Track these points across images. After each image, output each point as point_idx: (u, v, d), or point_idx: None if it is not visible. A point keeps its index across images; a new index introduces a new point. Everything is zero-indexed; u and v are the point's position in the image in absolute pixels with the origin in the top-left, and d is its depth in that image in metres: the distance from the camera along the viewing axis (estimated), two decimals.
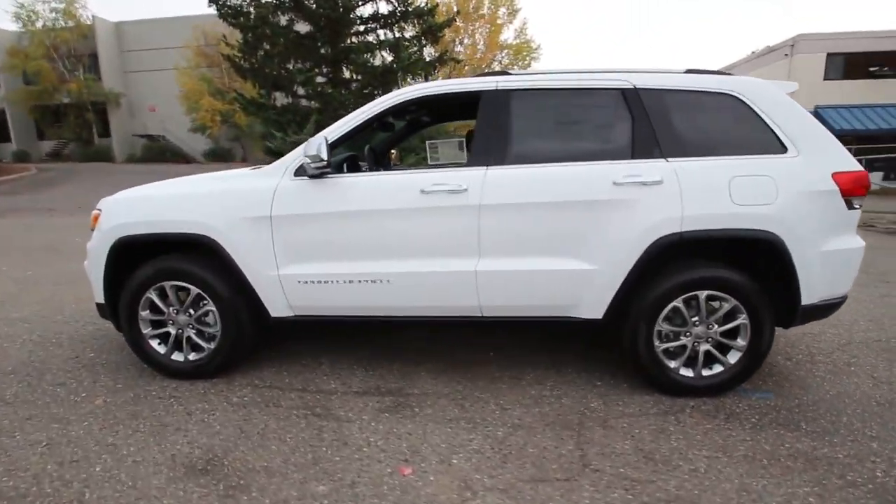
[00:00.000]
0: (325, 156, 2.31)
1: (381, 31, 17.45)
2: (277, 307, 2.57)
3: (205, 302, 2.59)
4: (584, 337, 3.26)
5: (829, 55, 20.58)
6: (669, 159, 2.38)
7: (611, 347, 3.01)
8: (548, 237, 2.39)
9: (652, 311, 2.43)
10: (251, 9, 15.28)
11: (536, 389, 2.63)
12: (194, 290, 2.56)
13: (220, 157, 27.55)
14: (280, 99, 17.45)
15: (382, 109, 2.52)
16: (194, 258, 2.60)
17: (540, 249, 2.41)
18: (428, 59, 16.46)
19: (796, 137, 2.40)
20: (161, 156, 27.01)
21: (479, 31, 28.97)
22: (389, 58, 16.83)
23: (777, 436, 2.21)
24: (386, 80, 15.83)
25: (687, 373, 2.53)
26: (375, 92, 16.30)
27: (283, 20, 15.64)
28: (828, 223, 2.38)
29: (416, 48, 16.38)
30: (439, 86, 2.55)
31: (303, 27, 16.12)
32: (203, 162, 27.28)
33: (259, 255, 2.49)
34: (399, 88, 15.10)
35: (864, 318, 3.84)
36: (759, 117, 2.42)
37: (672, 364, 2.52)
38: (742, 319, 2.44)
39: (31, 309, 4.09)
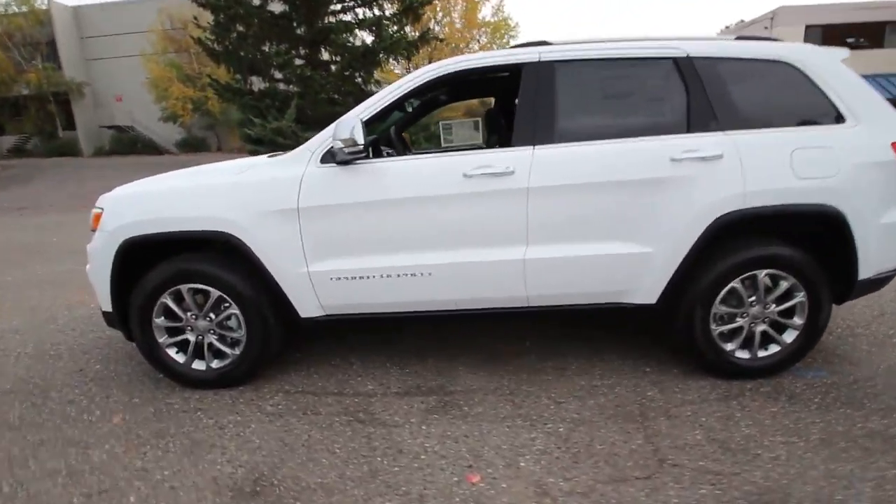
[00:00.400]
0: (361, 139, 2.09)
1: (359, 10, 16.79)
2: (307, 307, 2.37)
3: (226, 304, 2.37)
4: (619, 321, 3.14)
5: (807, 27, 20.77)
6: (728, 132, 2.23)
7: (648, 331, 2.90)
8: (600, 220, 2.24)
9: (709, 293, 2.31)
10: None
11: (585, 379, 2.51)
12: (214, 292, 2.33)
13: (193, 146, 26.58)
14: (257, 84, 16.77)
15: (416, 86, 2.30)
16: (212, 257, 2.37)
17: (591, 234, 2.25)
18: (410, 38, 15.95)
19: (853, 106, 2.28)
20: (131, 148, 25.91)
21: (455, 10, 28.31)
22: (370, 38, 16.25)
23: (846, 416, 2.13)
24: (368, 61, 15.31)
25: (743, 354, 2.43)
26: (357, 74, 15.77)
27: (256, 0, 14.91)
28: (887, 195, 2.28)
29: (397, 27, 15.85)
30: (477, 59, 2.33)
31: (277, 6, 15.40)
32: (176, 153, 26.28)
33: (286, 252, 2.27)
34: (382, 70, 14.57)
35: (889, 289, 3.81)
36: (816, 86, 2.29)
37: (728, 347, 2.42)
38: (800, 297, 2.34)
39: (21, 318, 3.78)
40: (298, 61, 15.48)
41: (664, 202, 2.20)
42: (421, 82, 2.30)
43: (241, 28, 15.16)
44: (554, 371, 2.61)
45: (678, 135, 2.23)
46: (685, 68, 2.26)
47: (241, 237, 2.24)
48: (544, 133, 2.23)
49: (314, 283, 2.31)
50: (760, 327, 2.41)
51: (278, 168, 2.33)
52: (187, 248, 2.39)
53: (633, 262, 2.27)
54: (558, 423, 2.14)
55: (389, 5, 16.98)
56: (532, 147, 2.22)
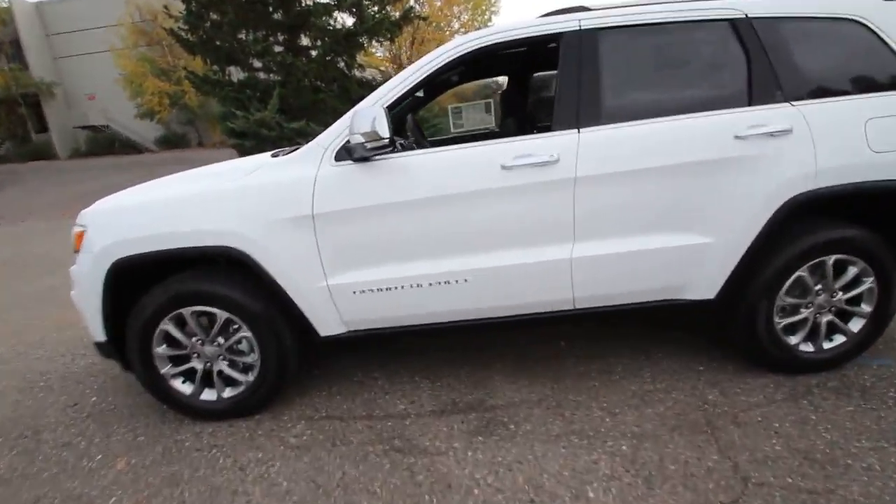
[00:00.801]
0: (386, 132, 1.81)
1: None
2: (328, 324, 2.10)
3: (236, 327, 2.10)
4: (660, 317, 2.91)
5: None
6: (794, 103, 1.98)
7: (687, 325, 2.68)
8: (655, 210, 1.99)
9: (774, 284, 2.10)
10: None
11: (636, 384, 2.29)
12: (222, 314, 2.06)
13: (173, 143, 25.78)
14: (236, 74, 16.14)
15: (446, 61, 2.01)
16: (217, 275, 2.08)
17: (646, 225, 2.00)
18: (392, 19, 15.37)
19: None
20: (108, 147, 25.05)
21: None
22: (350, 20, 15.62)
23: None
24: (350, 44, 14.74)
25: (807, 348, 2.23)
26: (339, 59, 15.21)
27: None
28: None
29: (378, 7, 15.24)
30: (508, 30, 2.03)
31: None
32: (156, 150, 25.50)
33: (301, 265, 1.99)
34: (364, 53, 14.03)
35: None
36: (888, 45, 2.03)
37: (793, 340, 2.21)
38: (869, 283, 2.13)
39: (4, 344, 3.47)
40: (278, 48, 14.88)
41: (727, 186, 1.95)
42: (451, 58, 2.00)
43: (215, 16, 14.48)
44: (599, 375, 2.39)
45: (740, 108, 1.98)
46: (744, 31, 2.00)
47: (248, 251, 1.96)
48: (590, 113, 1.96)
49: (335, 297, 2.04)
50: (826, 317, 2.20)
51: (286, 169, 2.03)
52: (189, 265, 2.10)
53: (690, 255, 2.04)
54: (619, 440, 1.92)
55: None
56: (577, 130, 1.95)
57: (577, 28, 2.00)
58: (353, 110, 1.91)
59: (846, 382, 2.18)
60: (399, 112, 2.75)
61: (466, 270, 2.00)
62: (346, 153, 1.96)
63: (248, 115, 12.79)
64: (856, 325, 2.21)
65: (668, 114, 1.97)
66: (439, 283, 2.01)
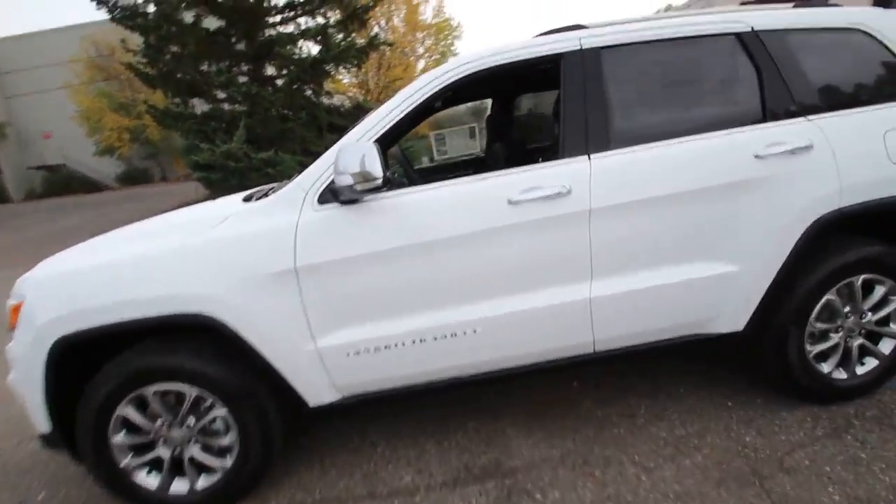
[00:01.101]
0: (379, 171, 1.58)
1: (301, 20, 16.02)
2: (318, 392, 1.83)
3: (209, 404, 1.80)
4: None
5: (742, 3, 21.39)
6: (810, 117, 1.85)
7: (697, 353, 2.50)
8: (677, 239, 1.82)
9: (804, 309, 1.94)
10: (150, 7, 13.42)
11: (665, 429, 2.08)
12: (191, 390, 1.76)
13: (135, 179, 24.93)
14: (199, 106, 15.73)
15: (438, 88, 1.81)
16: (183, 344, 1.79)
17: (668, 257, 1.83)
18: (358, 45, 15.34)
19: None
20: (66, 187, 24.01)
21: (397, 14, 27.85)
22: (315, 48, 15.51)
23: None
24: (316, 72, 14.58)
25: (840, 374, 2.07)
26: (306, 87, 15.04)
27: (189, 17, 13.93)
28: None
29: (343, 35, 15.20)
30: (508, 52, 1.85)
31: (212, 22, 14.47)
32: (116, 187, 24.59)
33: (284, 327, 1.72)
34: (332, 80, 13.98)
35: None
36: (893, 53, 1.94)
37: (825, 368, 2.05)
38: None
39: None
40: (242, 78, 14.58)
41: (751, 209, 1.80)
42: (447, 82, 1.80)
43: (175, 48, 14.12)
44: (622, 420, 2.17)
45: (755, 125, 1.84)
46: (752, 44, 1.87)
47: (221, 316, 1.68)
48: (599, 138, 1.78)
49: (325, 361, 1.77)
50: (857, 341, 2.06)
51: (262, 217, 1.77)
52: (146, 335, 1.80)
53: (717, 285, 1.86)
54: None
55: (332, 13, 16.32)
56: (587, 157, 1.77)
57: (579, 47, 1.83)
58: (337, 146, 1.68)
59: (885, 410, 2.03)
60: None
61: (475, 320, 1.77)
62: (332, 195, 1.72)
63: (214, 147, 12.39)
64: (887, 347, 2.08)
65: (680, 134, 1.82)
66: (445, 336, 1.77)
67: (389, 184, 1.68)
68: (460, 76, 1.80)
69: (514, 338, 1.83)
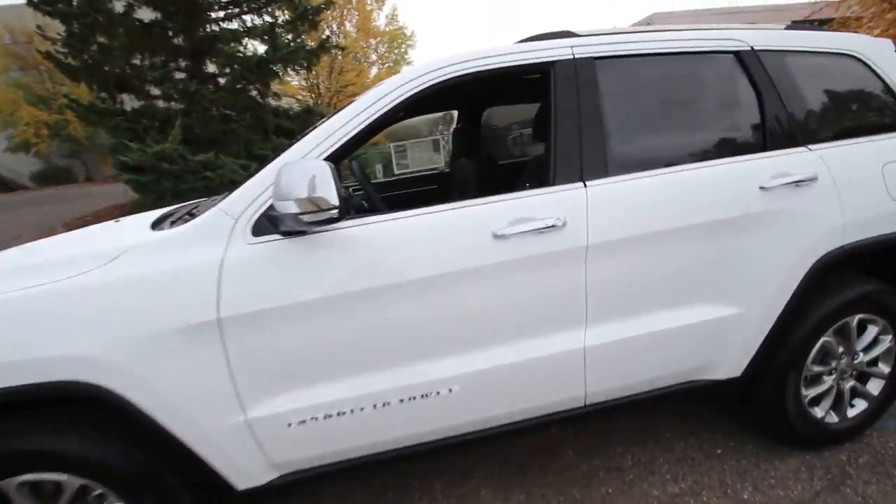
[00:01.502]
0: (335, 198, 1.24)
1: (247, 17, 15.23)
2: (249, 472, 1.45)
3: (98, 494, 1.37)
4: None
5: None
6: (810, 147, 1.72)
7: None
8: (679, 278, 1.62)
9: (802, 352, 1.81)
10: None
11: (657, 485, 1.88)
12: (73, 481, 1.33)
13: (55, 178, 22.68)
14: (130, 102, 14.53)
15: (406, 97, 1.49)
16: (61, 421, 1.35)
17: (668, 298, 1.62)
18: (308, 47, 14.76)
19: None
20: None
21: (348, 19, 27.33)
22: (262, 47, 14.77)
23: None
24: (263, 72, 13.85)
25: (832, 419, 1.96)
26: (251, 88, 14.28)
27: (120, 6, 12.83)
28: None
29: (293, 35, 14.57)
30: (486, 58, 1.57)
31: (146, 13, 13.42)
32: (32, 187, 22.25)
33: (202, 395, 1.34)
34: (280, 82, 13.29)
35: None
36: (886, 83, 1.86)
37: (819, 413, 1.93)
38: (888, 342, 1.92)
39: None
40: (180, 75, 13.58)
41: (754, 246, 1.63)
42: (419, 88, 1.50)
43: (103, 39, 12.94)
44: (609, 475, 1.94)
45: (757, 154, 1.68)
46: (751, 65, 1.72)
47: (108, 384, 1.27)
48: (595, 162, 1.55)
49: (259, 434, 1.40)
50: (849, 383, 1.95)
51: (173, 251, 1.36)
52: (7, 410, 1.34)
53: (719, 329, 1.68)
54: None
55: (281, 13, 15.65)
56: (582, 185, 1.52)
57: (571, 56, 1.60)
58: (278, 162, 1.33)
59: (876, 455, 1.93)
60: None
61: (452, 377, 1.47)
62: (270, 224, 1.36)
63: (145, 147, 11.38)
64: (875, 387, 1.99)
65: (681, 160, 1.63)
66: (415, 397, 1.46)
67: (347, 213, 1.34)
68: (433, 82, 1.51)
69: (496, 395, 1.55)
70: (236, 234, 1.35)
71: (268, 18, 14.98)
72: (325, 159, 1.36)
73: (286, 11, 15.21)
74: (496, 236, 1.43)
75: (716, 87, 1.73)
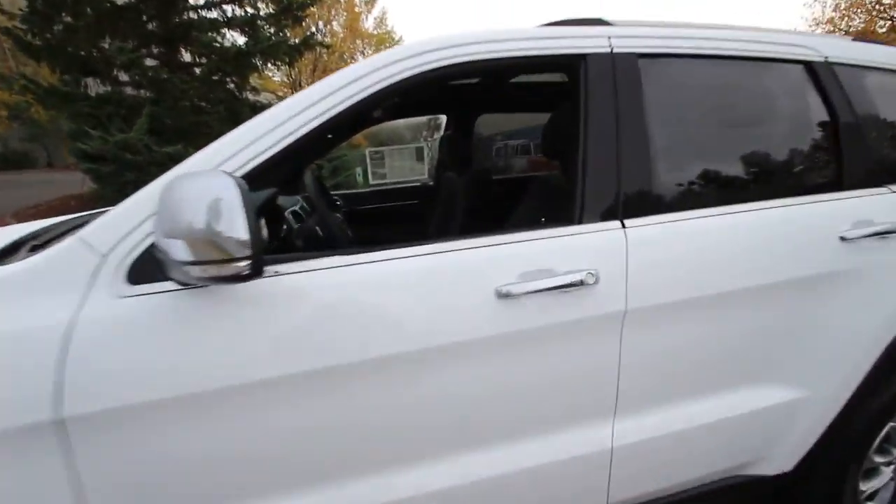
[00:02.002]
0: (244, 233, 0.80)
1: (227, 7, 14.64)
2: None
3: None
4: None
5: None
6: (891, 187, 1.37)
7: None
8: (734, 354, 1.26)
9: (866, 440, 1.45)
10: None
11: None
12: None
13: (14, 163, 21.33)
14: (95, 86, 13.73)
15: (379, 88, 1.07)
16: None
17: (719, 379, 1.26)
18: (291, 42, 14.25)
19: None
20: None
21: (335, 18, 26.86)
22: (242, 39, 14.18)
23: None
24: (241, 64, 13.27)
25: None
26: (228, 80, 13.68)
27: None
28: None
29: (275, 29, 14.04)
30: (490, 43, 1.15)
31: None
32: None
33: None
34: (259, 76, 12.92)
35: None
36: None
37: None
38: None
39: None
40: (151, 62, 12.88)
41: (830, 312, 1.28)
42: (399, 77, 1.08)
43: (69, 18, 12.15)
44: None
45: (833, 194, 1.32)
46: (825, 79, 1.36)
47: None
48: (638, 193, 1.16)
49: None
50: None
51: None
52: None
53: (777, 416, 1.32)
54: None
55: (264, 5, 15.09)
56: (620, 224, 1.12)
57: (608, 49, 1.20)
58: (167, 179, 0.89)
59: None
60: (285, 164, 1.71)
61: (432, 493, 1.03)
62: (157, 268, 0.90)
63: (107, 135, 10.65)
64: None
65: (741, 196, 1.25)
66: None
67: (262, 266, 0.88)
68: (420, 70, 1.09)
69: None
70: (101, 281, 0.89)
71: (250, 10, 14.44)
72: (249, 175, 0.92)
73: (270, 4, 14.70)
74: (500, 295, 1.01)
75: (783, 105, 1.38)
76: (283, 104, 1.03)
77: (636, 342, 1.10)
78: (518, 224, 1.23)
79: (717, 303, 1.16)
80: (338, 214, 1.48)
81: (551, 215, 1.22)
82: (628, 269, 1.08)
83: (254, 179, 0.94)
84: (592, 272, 1.03)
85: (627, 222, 1.13)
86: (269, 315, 0.92)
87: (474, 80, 2.16)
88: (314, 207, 1.43)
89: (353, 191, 3.73)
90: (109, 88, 12.91)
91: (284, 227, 1.40)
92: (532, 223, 1.16)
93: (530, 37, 1.20)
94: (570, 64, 1.21)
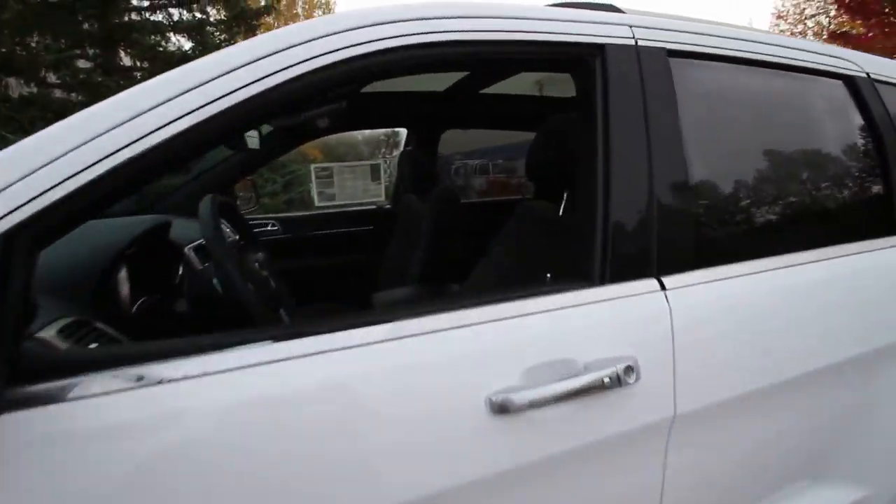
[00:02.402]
0: None
1: (174, 11, 13.90)
2: None
3: None
4: None
5: None
6: None
7: None
8: (793, 452, 0.92)
9: None
10: None
11: None
12: None
13: None
14: (19, 87, 12.61)
15: (296, 74, 0.68)
16: None
17: (774, 480, 0.90)
18: None
19: None
20: None
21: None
22: (189, 44, 13.46)
23: None
24: None
25: None
26: None
27: None
28: None
29: (225, 36, 13.40)
30: (470, 18, 0.79)
31: None
32: None
33: None
34: None
35: None
36: None
37: None
38: None
39: None
40: (85, 63, 11.94)
41: (890, 392, 0.98)
42: (334, 57, 0.69)
43: None
44: None
45: (890, 238, 1.04)
46: (869, 98, 1.10)
47: None
48: (678, 240, 0.81)
49: None
50: None
51: None
52: None
53: None
54: None
55: (216, 11, 14.45)
56: (657, 283, 0.78)
57: (631, 40, 0.88)
58: None
59: None
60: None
61: None
62: None
63: None
64: None
65: (799, 241, 0.94)
66: None
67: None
68: (360, 52, 0.71)
69: None
70: None
71: (199, 14, 13.78)
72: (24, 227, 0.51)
73: (222, 11, 14.09)
74: (495, 408, 0.63)
75: (830, 126, 1.10)
76: (107, 103, 0.62)
77: (685, 454, 0.76)
78: (502, 272, 0.87)
79: (797, 385, 0.84)
80: (258, 254, 1.07)
81: (547, 258, 0.87)
82: (675, 352, 0.74)
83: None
84: (631, 363, 0.68)
85: (667, 280, 0.79)
86: (84, 469, 0.50)
87: (439, 91, 1.81)
88: (208, 248, 0.98)
89: (296, 213, 3.28)
90: (35, 90, 11.84)
91: (181, 271, 0.97)
92: (526, 279, 0.80)
93: (524, 16, 0.86)
94: (580, 56, 0.88)
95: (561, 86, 2.37)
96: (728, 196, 0.96)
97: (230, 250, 0.94)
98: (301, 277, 2.22)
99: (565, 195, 1.19)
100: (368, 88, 1.81)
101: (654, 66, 0.90)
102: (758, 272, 0.90)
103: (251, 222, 2.39)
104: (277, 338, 0.60)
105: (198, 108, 0.63)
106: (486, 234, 1.41)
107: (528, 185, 2.50)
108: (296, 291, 2.00)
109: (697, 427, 0.80)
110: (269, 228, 2.32)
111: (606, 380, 0.69)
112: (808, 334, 0.91)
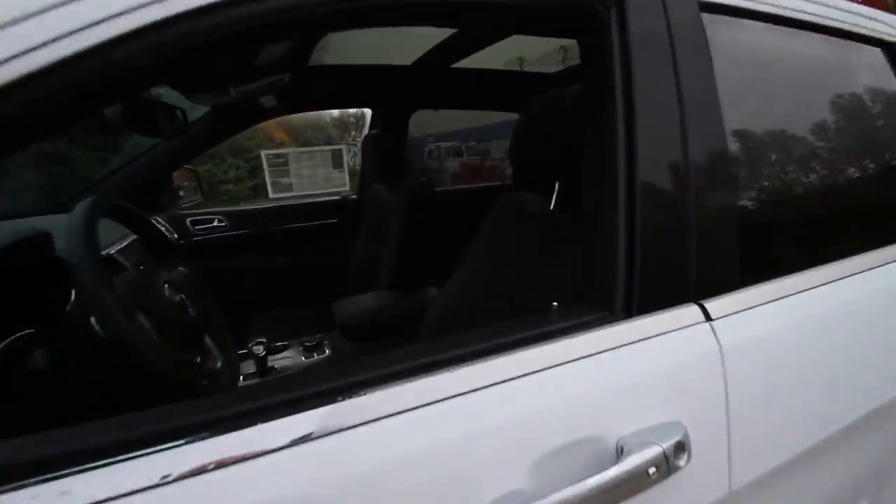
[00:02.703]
0: None
1: None
2: None
3: None
4: None
5: None
6: None
7: None
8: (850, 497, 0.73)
9: None
10: None
11: None
12: None
13: None
14: None
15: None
16: None
17: None
18: None
19: None
20: None
21: None
22: None
23: None
24: None
25: None
26: None
27: None
28: None
29: None
30: None
31: None
32: None
33: None
34: None
35: None
36: None
37: None
38: None
39: None
40: None
41: None
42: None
43: None
44: None
45: None
46: None
47: None
48: (722, 252, 0.61)
49: None
50: None
51: None
52: None
53: None
54: None
55: None
56: (699, 310, 0.57)
57: None
58: None
59: None
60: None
61: None
62: None
63: None
64: None
65: (850, 247, 0.76)
66: None
67: None
68: None
69: None
70: None
71: None
72: None
73: None
74: None
75: (860, 100, 0.90)
76: None
77: None
78: (485, 281, 0.65)
79: (865, 426, 0.65)
80: (173, 271, 0.81)
81: (539, 265, 0.66)
82: (730, 408, 0.54)
83: None
84: (681, 437, 0.47)
85: (711, 306, 0.58)
86: None
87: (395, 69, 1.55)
88: (74, 274, 0.67)
89: (246, 207, 2.98)
90: None
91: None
92: (515, 292, 0.58)
93: None
94: (590, 6, 0.64)
95: (543, 61, 2.15)
96: (782, 188, 0.74)
97: (109, 275, 0.68)
98: (252, 282, 1.97)
99: (557, 186, 0.99)
100: (320, 60, 1.54)
101: (684, 21, 0.68)
102: (823, 284, 0.68)
103: (193, 219, 2.11)
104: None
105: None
106: (465, 229, 1.20)
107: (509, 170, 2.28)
108: (246, 298, 1.76)
109: (754, 498, 0.61)
110: (214, 225, 2.04)
111: (652, 469, 0.47)
112: (884, 358, 0.71)
